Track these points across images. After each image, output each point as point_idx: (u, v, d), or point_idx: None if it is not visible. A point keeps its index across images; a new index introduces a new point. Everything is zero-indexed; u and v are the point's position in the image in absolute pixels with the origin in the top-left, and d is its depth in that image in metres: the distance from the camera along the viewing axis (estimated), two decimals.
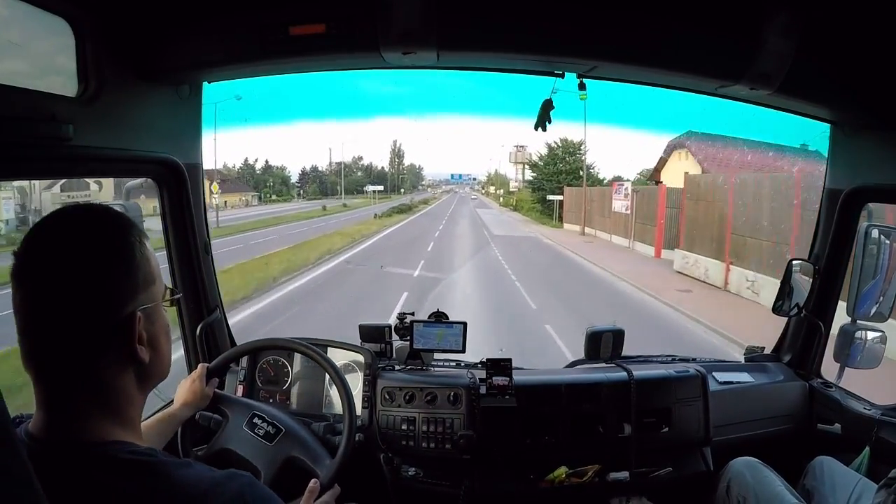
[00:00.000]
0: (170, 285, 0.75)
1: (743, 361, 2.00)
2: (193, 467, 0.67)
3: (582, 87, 1.44)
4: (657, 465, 1.61)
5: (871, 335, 1.71)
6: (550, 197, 25.72)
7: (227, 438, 1.31)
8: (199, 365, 1.35)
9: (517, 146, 36.46)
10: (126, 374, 0.67)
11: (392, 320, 1.79)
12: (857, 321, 1.72)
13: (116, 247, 0.65)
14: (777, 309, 1.85)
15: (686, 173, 14.06)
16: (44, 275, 0.62)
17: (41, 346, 0.63)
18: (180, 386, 1.31)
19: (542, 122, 1.54)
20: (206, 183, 1.80)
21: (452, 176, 47.78)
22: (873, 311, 1.69)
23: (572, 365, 1.90)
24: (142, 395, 0.70)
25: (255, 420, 1.33)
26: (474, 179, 46.87)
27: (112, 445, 0.63)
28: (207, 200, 1.68)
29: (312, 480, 1.20)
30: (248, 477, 0.70)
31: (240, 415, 1.34)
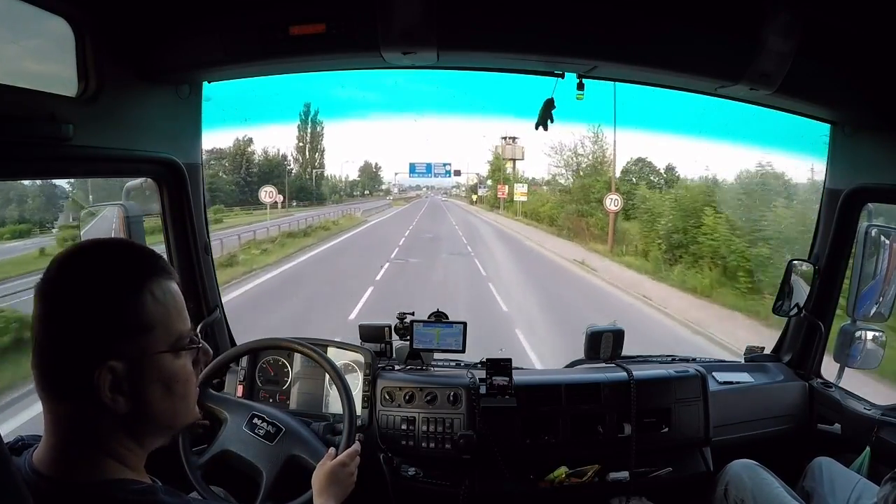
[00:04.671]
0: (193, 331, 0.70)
1: (743, 361, 2.00)
2: None
3: (581, 87, 1.44)
4: (657, 465, 1.61)
5: (870, 335, 1.71)
6: None
7: (228, 440, 1.31)
8: None
9: (506, 138, 24.14)
10: (104, 418, 0.63)
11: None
12: (857, 321, 1.72)
13: (97, 292, 0.63)
14: (777, 309, 1.85)
15: None
16: (47, 307, 0.63)
17: (38, 373, 0.63)
18: None
19: (545, 120, 1.51)
20: None
21: (412, 169, 25.27)
22: (873, 311, 1.69)
23: (572, 365, 1.90)
24: (136, 441, 0.66)
25: (255, 420, 1.33)
26: (456, 174, 26.79)
27: (111, 485, 0.63)
28: None
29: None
30: None
31: (239, 416, 1.35)
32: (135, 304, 0.64)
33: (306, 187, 26.13)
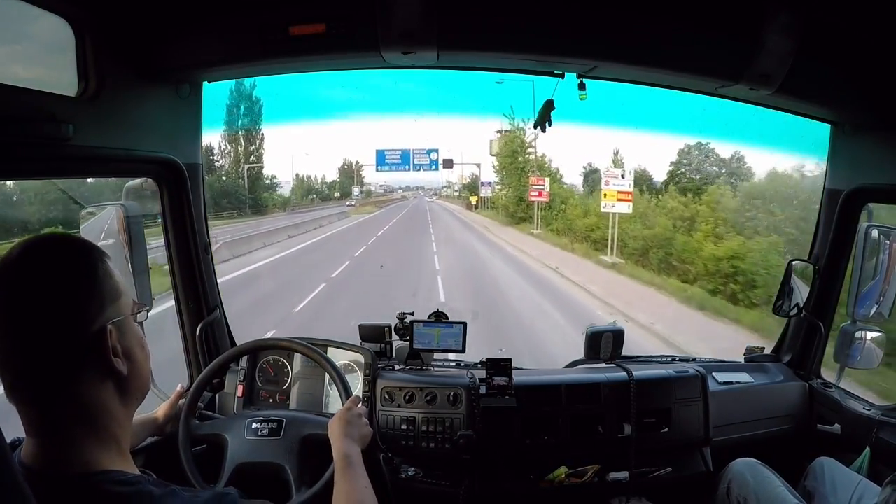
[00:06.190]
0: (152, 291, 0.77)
1: (743, 362, 2.00)
2: (178, 495, 0.68)
3: (582, 87, 1.44)
4: (657, 465, 1.61)
5: (870, 335, 1.71)
6: None
7: (237, 455, 1.31)
8: (179, 385, 1.42)
9: (500, 131, 17.65)
10: (106, 388, 0.68)
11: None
12: (857, 321, 1.72)
13: (77, 267, 0.67)
14: (777, 309, 1.85)
15: None
16: (13, 307, 0.64)
17: (21, 375, 0.64)
18: (164, 404, 1.37)
19: (543, 121, 1.52)
20: None
21: (381, 159, 17.24)
22: (873, 311, 1.69)
23: (572, 365, 1.90)
24: (125, 410, 0.71)
25: (255, 425, 1.34)
26: (447, 165, 18.56)
27: (100, 476, 0.65)
28: None
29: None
30: (232, 495, 0.72)
31: (236, 429, 1.35)
32: (109, 274, 0.69)
33: (232, 191, 17.76)
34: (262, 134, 18.43)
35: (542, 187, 14.69)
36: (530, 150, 16.43)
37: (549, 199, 14.73)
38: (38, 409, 0.65)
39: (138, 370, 0.72)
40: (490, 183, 19.99)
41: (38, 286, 0.64)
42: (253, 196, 18.49)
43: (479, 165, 20.07)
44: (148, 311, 0.81)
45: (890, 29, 1.21)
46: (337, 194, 24.59)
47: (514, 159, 16.99)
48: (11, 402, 0.65)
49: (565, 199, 14.65)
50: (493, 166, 18.38)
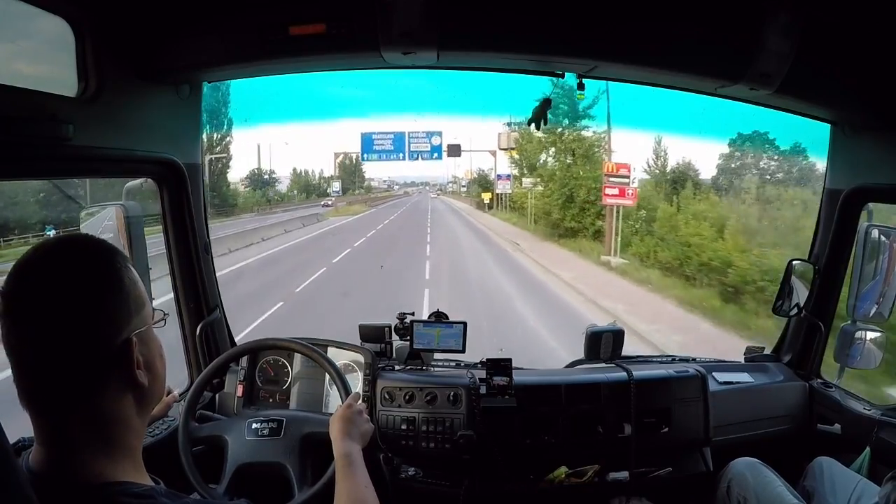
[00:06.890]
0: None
1: (743, 362, 2.00)
2: None
3: (581, 87, 1.44)
4: (657, 465, 1.61)
5: (870, 336, 1.71)
6: None
7: (238, 456, 1.31)
8: (171, 395, 1.42)
9: (510, 124, 14.89)
10: (126, 401, 0.66)
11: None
12: (857, 322, 1.72)
13: (105, 275, 0.65)
14: (777, 309, 1.85)
15: None
16: (38, 313, 0.61)
17: (41, 384, 0.62)
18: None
19: (540, 118, 1.51)
20: None
21: (368, 146, 13.15)
22: (873, 311, 1.69)
23: (572, 365, 1.90)
24: (142, 421, 0.70)
25: (255, 425, 1.34)
26: (452, 152, 14.67)
27: (112, 487, 0.63)
28: None
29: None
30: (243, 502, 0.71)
31: (236, 430, 1.35)
32: (135, 282, 0.67)
33: None
34: (230, 118, 15.37)
35: (625, 181, 8.88)
36: (586, 121, 10.50)
37: (635, 203, 8.96)
38: (54, 419, 0.63)
39: (157, 381, 0.70)
40: (509, 176, 15.64)
41: (64, 293, 0.61)
42: (215, 193, 15.75)
43: (493, 153, 16.22)
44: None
45: (890, 29, 1.21)
46: (330, 190, 23.03)
47: (558, 138, 11.32)
48: (26, 409, 0.63)
49: (647, 202, 9.15)
50: (513, 158, 14.56)
